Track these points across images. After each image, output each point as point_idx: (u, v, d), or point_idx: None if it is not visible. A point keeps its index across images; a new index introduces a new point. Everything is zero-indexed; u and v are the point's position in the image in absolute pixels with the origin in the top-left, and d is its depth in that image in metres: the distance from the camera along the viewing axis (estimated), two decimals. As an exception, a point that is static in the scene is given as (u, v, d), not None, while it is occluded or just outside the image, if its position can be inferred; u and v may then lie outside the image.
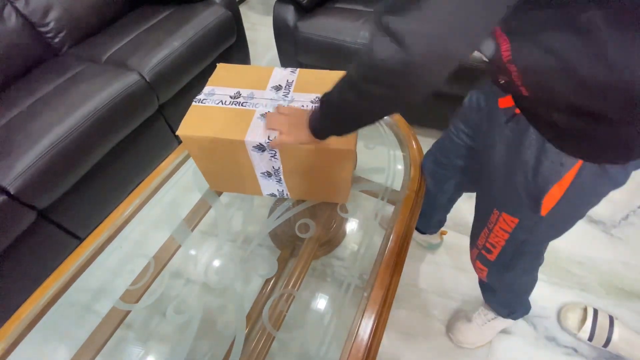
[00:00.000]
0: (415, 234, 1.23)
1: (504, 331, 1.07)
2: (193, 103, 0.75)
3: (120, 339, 0.81)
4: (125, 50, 1.36)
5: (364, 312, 0.69)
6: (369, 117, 0.50)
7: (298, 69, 0.82)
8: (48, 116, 1.11)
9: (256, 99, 0.76)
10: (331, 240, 1.12)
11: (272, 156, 0.73)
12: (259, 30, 2.28)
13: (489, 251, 0.72)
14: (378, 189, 0.92)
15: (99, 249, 0.82)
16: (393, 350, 1.05)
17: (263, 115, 0.72)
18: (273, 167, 0.76)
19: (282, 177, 0.79)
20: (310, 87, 0.77)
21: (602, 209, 1.32)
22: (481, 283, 0.94)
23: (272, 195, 0.88)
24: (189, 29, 1.41)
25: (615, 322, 1.03)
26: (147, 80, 1.27)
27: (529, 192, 0.54)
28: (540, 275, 1.16)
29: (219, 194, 0.94)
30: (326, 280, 1.14)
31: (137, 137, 1.32)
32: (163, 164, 0.97)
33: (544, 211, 0.54)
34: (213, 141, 0.71)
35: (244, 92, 0.77)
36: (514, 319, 0.97)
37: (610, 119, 0.40)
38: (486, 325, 1.01)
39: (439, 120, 1.46)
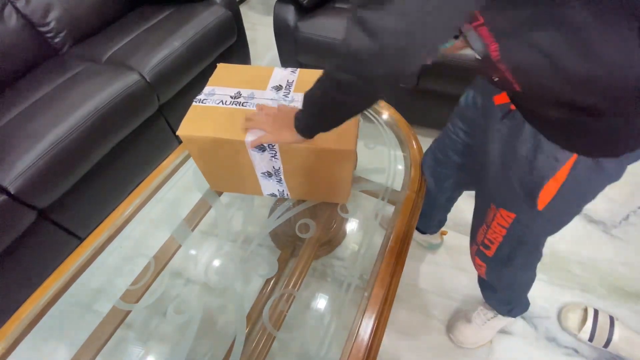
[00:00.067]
0: (416, 234, 1.23)
1: (505, 331, 1.07)
2: (193, 103, 0.75)
3: (121, 339, 0.81)
4: (126, 50, 1.36)
5: (364, 312, 0.69)
6: (348, 108, 0.52)
7: (298, 69, 0.82)
8: (48, 116, 1.11)
9: (256, 99, 0.76)
10: (331, 240, 1.12)
11: (272, 156, 0.73)
12: (259, 30, 2.28)
13: (486, 247, 0.72)
14: (378, 189, 0.92)
15: (99, 249, 0.82)
16: (393, 350, 1.05)
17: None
18: (273, 167, 0.76)
19: (282, 177, 0.79)
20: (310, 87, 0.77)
21: (602, 209, 1.32)
22: (480, 281, 0.94)
23: (273, 195, 0.88)
24: (189, 28, 1.41)
25: (616, 323, 1.03)
26: (148, 80, 1.27)
27: (525, 187, 0.54)
28: (540, 275, 1.17)
29: (219, 193, 0.94)
30: (326, 280, 1.14)
31: (137, 137, 1.32)
32: (163, 163, 0.97)
33: (540, 206, 0.54)
34: (213, 141, 0.71)
35: (245, 92, 0.77)
36: (513, 316, 0.97)
37: (601, 112, 0.41)
38: (486, 325, 1.01)
39: (439, 120, 1.45)
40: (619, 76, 0.37)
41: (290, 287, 0.81)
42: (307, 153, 0.70)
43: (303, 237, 0.89)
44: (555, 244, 1.24)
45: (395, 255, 0.76)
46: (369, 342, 0.66)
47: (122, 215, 0.87)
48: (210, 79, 0.81)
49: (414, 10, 0.35)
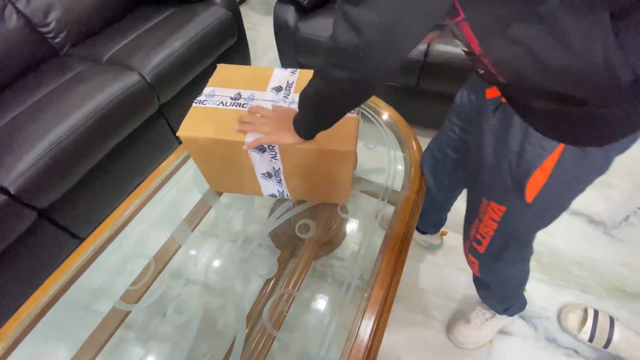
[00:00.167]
0: (416, 234, 1.23)
1: (504, 332, 1.07)
2: (193, 104, 0.75)
3: (121, 339, 0.81)
4: (126, 51, 1.36)
5: (364, 313, 0.69)
6: (343, 103, 0.53)
7: (298, 70, 0.82)
8: (49, 116, 1.11)
9: (256, 100, 0.76)
10: (331, 240, 1.12)
11: (272, 157, 0.73)
12: (260, 31, 2.28)
13: (478, 242, 0.73)
14: (378, 190, 0.92)
15: (99, 249, 0.82)
16: (393, 350, 1.05)
17: None
18: (273, 168, 0.76)
19: (282, 177, 0.79)
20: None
21: (602, 209, 1.32)
22: (475, 279, 0.94)
23: (273, 195, 0.88)
24: (189, 29, 1.41)
25: (616, 323, 1.03)
26: (148, 80, 1.28)
27: (514, 178, 0.55)
28: (540, 275, 1.17)
29: (219, 194, 0.94)
30: (326, 281, 1.14)
31: (137, 137, 1.32)
32: (163, 164, 0.97)
33: (529, 197, 0.55)
34: (213, 142, 0.71)
35: (245, 94, 0.77)
36: (510, 314, 0.97)
37: (582, 101, 0.42)
38: (484, 325, 1.01)
39: (439, 121, 1.45)
40: (594, 66, 0.38)
41: (290, 287, 0.81)
42: (307, 154, 0.70)
43: (303, 238, 0.89)
44: (555, 244, 1.24)
45: (395, 256, 0.76)
46: (368, 342, 0.66)
47: (122, 216, 0.87)
48: (210, 79, 0.81)
49: (393, 5, 0.37)
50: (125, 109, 1.21)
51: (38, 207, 1.07)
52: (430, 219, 1.11)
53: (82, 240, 1.08)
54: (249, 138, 0.68)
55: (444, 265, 1.22)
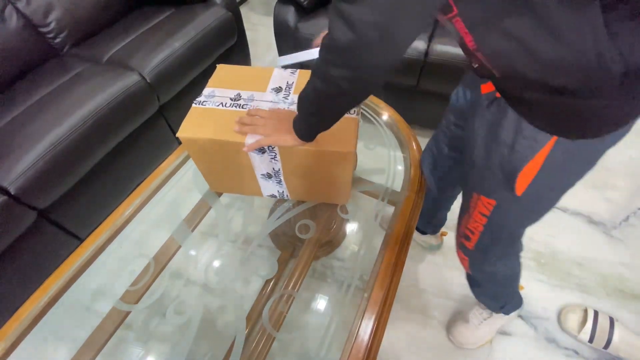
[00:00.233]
0: (416, 234, 1.23)
1: (504, 332, 1.07)
2: (193, 105, 0.75)
3: (121, 339, 0.81)
4: (126, 51, 1.36)
5: (364, 313, 0.69)
6: (342, 102, 0.53)
7: (298, 70, 0.82)
8: (49, 116, 1.11)
9: (256, 101, 0.76)
10: (331, 241, 1.12)
11: (272, 158, 0.73)
12: (260, 31, 2.28)
13: (467, 238, 0.73)
14: (378, 190, 0.92)
15: (99, 249, 0.82)
16: (393, 350, 1.05)
17: None
18: (273, 168, 0.76)
19: (282, 178, 0.79)
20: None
21: (602, 210, 1.32)
22: (467, 277, 0.94)
23: (273, 196, 0.88)
24: (189, 29, 1.41)
25: (616, 324, 1.03)
26: (148, 80, 1.28)
27: (505, 171, 0.55)
28: (540, 276, 1.17)
29: (219, 194, 0.94)
30: (326, 281, 1.14)
31: (137, 137, 1.32)
32: (163, 164, 0.97)
33: (519, 191, 0.55)
34: (213, 143, 0.71)
35: (244, 94, 0.77)
36: (507, 313, 0.97)
37: (575, 92, 0.42)
38: (483, 324, 1.01)
39: (439, 121, 1.46)
40: (586, 57, 0.39)
41: (290, 287, 0.81)
42: (307, 154, 0.70)
43: (303, 238, 0.89)
44: (555, 244, 1.24)
45: (395, 256, 0.76)
46: (368, 342, 0.66)
47: (122, 216, 0.87)
48: (210, 80, 0.81)
49: (388, 1, 0.37)
50: (125, 109, 1.21)
51: (38, 207, 1.07)
52: (430, 219, 1.11)
53: (82, 240, 1.08)
54: (249, 139, 0.68)
55: (443, 266, 1.22)
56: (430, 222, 1.13)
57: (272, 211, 1.01)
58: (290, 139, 0.64)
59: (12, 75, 1.31)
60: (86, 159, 1.15)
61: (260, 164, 0.75)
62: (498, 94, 0.53)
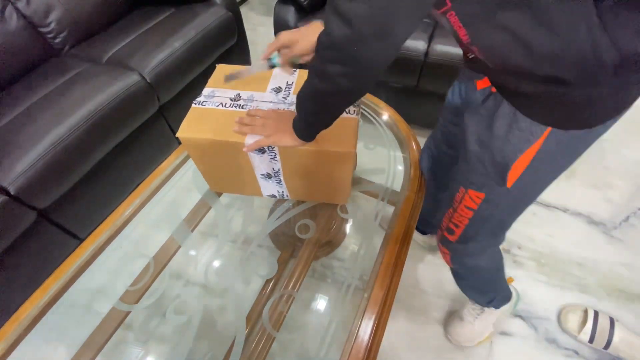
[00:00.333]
0: (416, 235, 1.23)
1: (505, 333, 1.07)
2: (193, 105, 0.75)
3: (120, 339, 0.81)
4: (126, 51, 1.36)
5: (364, 313, 0.69)
6: (338, 100, 0.53)
7: (298, 70, 0.82)
8: (49, 116, 1.11)
9: (256, 101, 0.76)
10: (331, 241, 1.12)
11: (272, 158, 0.73)
12: (260, 31, 2.28)
13: (451, 232, 0.74)
14: (378, 190, 0.92)
15: (99, 249, 0.82)
16: (393, 351, 1.05)
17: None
18: (273, 168, 0.76)
19: (282, 178, 0.79)
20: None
21: (602, 210, 1.32)
22: (452, 272, 0.95)
23: (272, 196, 0.88)
24: (189, 29, 1.41)
25: (616, 324, 1.03)
26: (148, 80, 1.28)
27: (497, 163, 0.56)
28: (540, 276, 1.17)
29: (219, 194, 0.94)
30: (326, 281, 1.14)
31: (137, 137, 1.32)
32: (163, 164, 0.97)
33: (509, 182, 0.56)
34: (213, 143, 0.71)
35: (244, 94, 0.77)
36: (496, 307, 0.98)
37: (570, 83, 0.43)
38: (477, 320, 1.01)
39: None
40: (580, 48, 0.39)
41: (290, 287, 0.81)
42: (307, 155, 0.70)
43: (303, 238, 0.89)
44: (555, 244, 1.24)
45: (395, 256, 0.76)
46: (368, 343, 0.66)
47: (122, 216, 0.87)
48: (210, 80, 0.81)
49: None
50: (125, 109, 1.21)
51: (38, 207, 1.07)
52: (430, 219, 1.11)
53: (82, 240, 1.08)
54: (249, 140, 0.68)
55: (443, 266, 1.21)
56: (430, 222, 1.13)
57: (272, 211, 1.01)
58: (290, 139, 0.64)
59: (12, 75, 1.31)
60: (86, 159, 1.15)
61: (260, 164, 0.75)
62: (493, 89, 0.54)
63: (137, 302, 0.78)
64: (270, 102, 0.75)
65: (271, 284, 0.87)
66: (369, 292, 0.72)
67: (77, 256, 0.80)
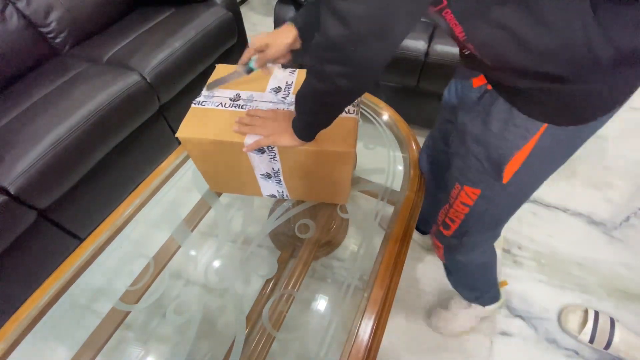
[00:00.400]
0: (416, 234, 1.23)
1: (505, 333, 1.07)
2: (192, 105, 0.75)
3: (121, 339, 0.81)
4: (126, 51, 1.36)
5: (364, 313, 0.69)
6: (337, 100, 0.53)
7: (297, 70, 0.82)
8: (49, 116, 1.11)
9: (256, 101, 0.76)
10: (331, 241, 1.12)
11: (271, 158, 0.73)
12: (260, 31, 2.28)
13: (446, 226, 0.74)
14: (378, 190, 0.92)
15: (99, 249, 0.82)
16: (393, 351, 1.05)
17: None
18: (273, 168, 0.76)
19: (281, 178, 0.79)
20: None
21: (602, 210, 1.32)
22: (444, 266, 0.95)
23: (272, 196, 0.88)
24: (189, 29, 1.41)
25: (616, 325, 1.02)
26: (148, 80, 1.28)
27: (493, 160, 0.56)
28: (540, 276, 1.17)
29: (219, 194, 0.94)
30: (326, 281, 1.14)
31: (137, 137, 1.32)
32: (163, 164, 0.97)
33: (505, 178, 0.56)
34: (213, 143, 0.71)
35: (244, 95, 0.77)
36: (482, 304, 0.98)
37: (566, 79, 0.43)
38: (462, 313, 1.02)
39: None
40: (575, 44, 0.39)
41: (289, 287, 0.81)
42: (307, 154, 0.70)
43: (303, 238, 0.89)
44: (556, 245, 1.24)
45: (395, 256, 0.76)
46: (368, 342, 0.66)
47: (121, 216, 0.87)
48: (209, 80, 0.81)
49: None
50: (125, 109, 1.21)
51: (38, 207, 1.07)
52: (430, 219, 1.11)
53: (82, 240, 1.08)
54: (248, 140, 0.68)
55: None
56: (430, 222, 1.13)
57: (271, 211, 1.01)
58: (289, 139, 0.64)
59: (12, 75, 1.31)
60: (86, 159, 1.15)
61: (260, 164, 0.75)
62: (489, 86, 0.54)
63: (137, 302, 0.78)
64: (270, 102, 0.75)
65: (271, 284, 0.87)
66: (369, 292, 0.72)
67: (77, 256, 0.80)
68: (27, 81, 1.30)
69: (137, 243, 0.87)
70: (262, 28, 2.31)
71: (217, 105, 0.75)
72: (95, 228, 0.84)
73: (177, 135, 0.71)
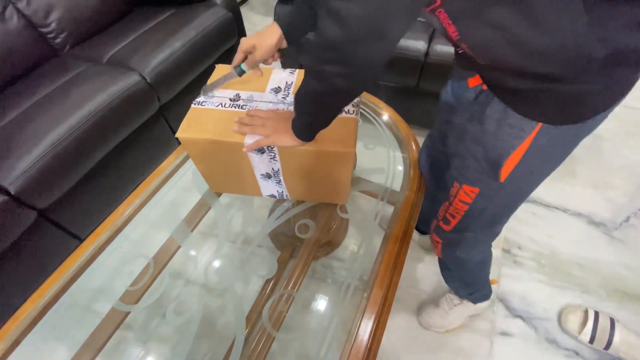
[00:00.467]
0: (416, 235, 1.23)
1: (505, 333, 1.07)
2: (192, 105, 0.75)
3: (120, 339, 0.81)
4: (127, 51, 1.36)
5: (363, 313, 0.69)
6: (335, 99, 0.53)
7: (297, 70, 0.82)
8: (49, 116, 1.11)
9: (255, 101, 0.76)
10: (331, 241, 1.12)
11: (271, 158, 0.73)
12: (260, 31, 2.28)
13: (446, 222, 0.75)
14: (378, 190, 0.92)
15: (99, 249, 0.82)
16: (393, 351, 1.05)
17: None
18: (273, 168, 0.76)
19: (281, 178, 0.79)
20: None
21: (602, 210, 1.32)
22: (439, 262, 0.96)
23: (272, 196, 0.88)
24: (190, 29, 1.41)
25: (617, 325, 1.02)
26: (148, 80, 1.28)
27: (490, 159, 0.56)
28: (540, 276, 1.17)
29: (219, 194, 0.94)
30: (326, 281, 1.14)
31: (137, 137, 1.32)
32: (163, 164, 0.97)
33: (502, 177, 0.57)
34: (212, 144, 0.71)
35: (243, 95, 0.77)
36: (474, 301, 0.99)
37: (559, 79, 0.43)
38: (453, 310, 1.03)
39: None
40: (567, 44, 0.39)
41: (289, 287, 0.81)
42: (306, 155, 0.70)
43: (302, 238, 0.89)
44: (556, 245, 1.24)
45: (395, 256, 0.76)
46: (368, 342, 0.66)
47: (121, 216, 0.87)
48: (209, 80, 0.81)
49: None
50: (125, 110, 1.21)
51: (38, 207, 1.07)
52: (429, 219, 1.11)
53: (82, 240, 1.08)
54: (248, 140, 0.68)
55: (444, 266, 1.22)
56: (430, 222, 1.13)
57: (271, 211, 1.01)
58: (289, 139, 0.64)
59: (12, 75, 1.31)
60: (86, 159, 1.15)
61: (260, 164, 0.75)
62: (484, 86, 0.54)
63: (137, 302, 0.78)
64: (270, 102, 0.75)
65: (271, 284, 0.87)
66: (369, 292, 0.72)
67: (77, 256, 0.80)
68: (27, 81, 1.30)
69: (137, 243, 0.87)
70: (261, 28, 2.31)
71: (217, 106, 0.75)
72: (95, 228, 0.84)
73: (177, 135, 0.71)
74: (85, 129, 1.11)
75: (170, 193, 0.93)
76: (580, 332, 1.03)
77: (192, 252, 0.89)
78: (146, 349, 0.88)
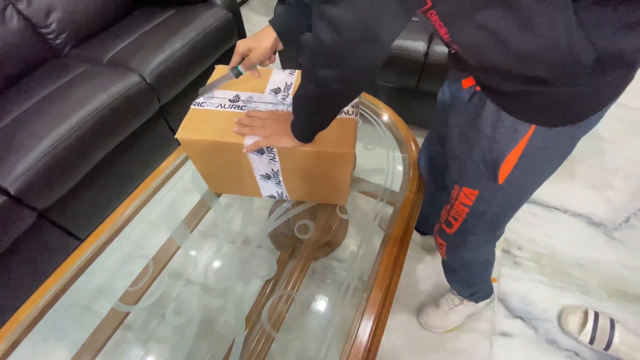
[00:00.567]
0: (415, 235, 1.23)
1: (505, 334, 1.07)
2: (192, 106, 0.75)
3: (120, 339, 0.81)
4: (127, 52, 1.37)
5: (363, 314, 0.69)
6: (332, 102, 0.54)
7: (297, 71, 0.82)
8: (49, 117, 1.11)
9: (255, 102, 0.76)
10: (331, 241, 1.12)
11: (271, 159, 0.73)
12: (260, 32, 2.28)
13: (449, 224, 0.75)
14: (377, 190, 0.92)
15: (99, 250, 0.82)
16: (392, 351, 1.05)
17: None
18: (272, 169, 0.76)
19: (281, 179, 0.79)
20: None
21: (602, 211, 1.32)
22: (443, 263, 0.96)
23: (272, 196, 0.88)
24: (190, 30, 1.42)
25: (617, 325, 1.02)
26: (148, 81, 1.28)
27: (487, 161, 0.56)
28: (540, 277, 1.17)
29: (219, 195, 0.94)
30: (326, 282, 1.14)
31: (137, 138, 1.32)
32: (163, 164, 0.97)
33: (501, 179, 0.57)
34: (212, 144, 0.71)
35: (243, 96, 0.77)
36: (476, 301, 0.99)
37: (550, 82, 0.43)
38: (453, 310, 1.03)
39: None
40: (557, 47, 0.40)
41: (289, 288, 0.81)
42: (306, 155, 0.70)
43: (302, 238, 0.89)
44: (556, 245, 1.24)
45: (394, 257, 0.76)
46: (367, 343, 0.66)
47: (121, 216, 0.87)
48: (209, 81, 0.81)
49: (366, 1, 0.39)
50: (125, 110, 1.21)
51: (38, 207, 1.07)
52: (429, 220, 1.11)
53: (81, 240, 1.08)
54: (248, 141, 0.68)
55: (443, 266, 1.22)
56: (429, 223, 1.13)
57: (271, 212, 1.01)
58: (288, 140, 0.64)
59: (13, 75, 1.31)
60: (86, 160, 1.15)
61: (259, 164, 0.75)
62: (478, 88, 0.54)
63: (136, 302, 0.78)
64: (269, 103, 0.75)
65: (270, 284, 0.87)
66: (368, 293, 0.72)
67: (77, 256, 0.80)
68: (27, 82, 1.31)
69: (137, 243, 0.88)
70: (261, 29, 2.31)
71: (217, 107, 0.75)
72: (95, 228, 0.85)
73: (176, 136, 0.71)
74: (85, 130, 1.11)
75: (170, 193, 0.93)
76: (580, 332, 1.03)
77: (192, 253, 0.89)
78: (146, 349, 0.89)
